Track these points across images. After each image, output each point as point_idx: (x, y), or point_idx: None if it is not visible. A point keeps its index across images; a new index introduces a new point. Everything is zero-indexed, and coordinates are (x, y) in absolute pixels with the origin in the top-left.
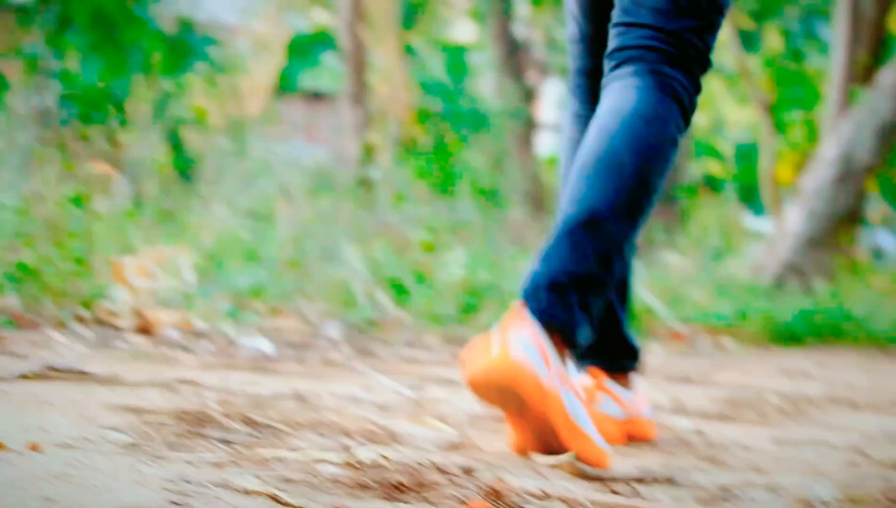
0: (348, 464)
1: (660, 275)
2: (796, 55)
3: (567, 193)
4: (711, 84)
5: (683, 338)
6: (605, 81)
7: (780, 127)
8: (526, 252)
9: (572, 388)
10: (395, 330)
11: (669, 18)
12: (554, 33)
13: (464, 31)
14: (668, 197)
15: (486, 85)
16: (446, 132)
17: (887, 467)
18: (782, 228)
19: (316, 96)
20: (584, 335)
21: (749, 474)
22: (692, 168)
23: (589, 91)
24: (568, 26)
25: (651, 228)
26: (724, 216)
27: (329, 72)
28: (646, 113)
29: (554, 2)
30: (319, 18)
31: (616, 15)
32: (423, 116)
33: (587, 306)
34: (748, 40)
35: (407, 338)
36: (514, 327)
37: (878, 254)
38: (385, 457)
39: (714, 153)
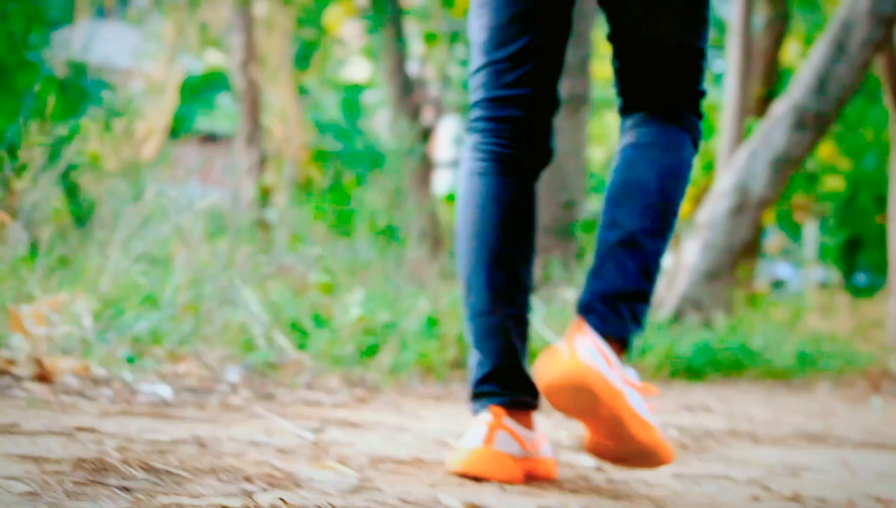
0: None
1: (558, 311)
2: None
3: (602, 219)
4: (607, 118)
5: None
6: (622, 119)
7: None
8: (424, 290)
9: (633, 386)
10: (296, 373)
11: (669, 82)
12: (448, 71)
13: (358, 70)
14: (565, 233)
15: (382, 124)
16: (342, 172)
17: (789, 500)
18: (680, 261)
19: (211, 138)
20: (635, 339)
21: None
22: (589, 203)
23: (491, 122)
24: (473, 59)
25: (548, 264)
26: None
27: (224, 113)
28: (662, 143)
29: (449, 39)
30: (213, 60)
31: (618, 84)
32: (319, 156)
33: (636, 314)
34: None
35: (307, 380)
36: (577, 337)
37: (777, 285)
38: (286, 502)
39: None
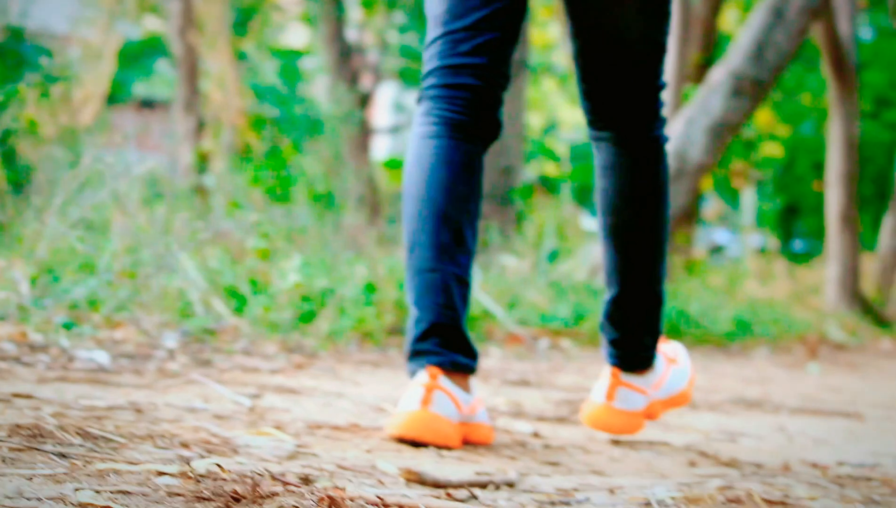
0: (186, 476)
1: (496, 278)
2: None
3: (605, 266)
4: (544, 85)
5: (521, 341)
6: (592, 138)
7: None
8: (362, 256)
9: (663, 380)
10: (233, 339)
11: (634, 85)
12: (387, 37)
13: (296, 35)
14: (503, 199)
15: (320, 90)
16: (280, 138)
17: (725, 465)
18: None
19: (148, 104)
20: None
21: (588, 476)
22: (527, 169)
23: (445, 88)
24: (429, 31)
25: (486, 230)
26: (561, 217)
27: (162, 79)
28: (644, 180)
29: (387, 5)
30: (151, 26)
31: (582, 86)
32: (257, 122)
33: (656, 332)
34: None
35: (244, 346)
36: (614, 388)
37: (715, 251)
38: (222, 468)
39: (549, 154)
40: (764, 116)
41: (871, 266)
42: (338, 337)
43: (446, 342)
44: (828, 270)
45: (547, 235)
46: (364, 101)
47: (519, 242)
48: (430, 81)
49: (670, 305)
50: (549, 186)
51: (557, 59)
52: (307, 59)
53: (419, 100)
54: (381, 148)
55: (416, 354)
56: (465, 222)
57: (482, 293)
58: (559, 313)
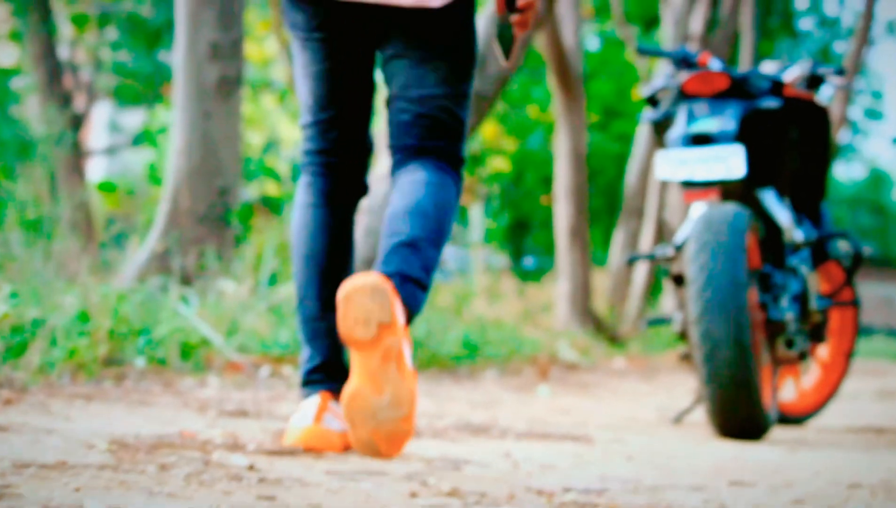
0: None
1: (214, 304)
2: None
3: (386, 231)
4: (264, 100)
5: (241, 369)
6: (395, 165)
7: None
8: (74, 284)
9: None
10: None
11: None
12: (101, 54)
13: (4, 54)
14: (220, 221)
15: (31, 110)
16: None
17: (448, 496)
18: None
19: None
20: (413, 315)
21: None
22: (247, 190)
23: (320, 166)
24: (306, 113)
25: (203, 254)
26: (282, 238)
27: None
28: (437, 182)
29: (99, 21)
30: None
31: (393, 98)
32: None
33: (416, 297)
34: None
35: None
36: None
37: (441, 271)
38: None
39: (270, 173)
40: (490, 130)
41: (602, 282)
42: (49, 370)
43: (333, 375)
44: (558, 287)
45: (267, 258)
46: (77, 121)
47: (238, 265)
48: (307, 159)
49: None
50: (271, 206)
51: (277, 74)
52: (16, 79)
53: (300, 169)
54: (96, 170)
55: (310, 383)
56: (343, 276)
57: (199, 320)
58: (280, 339)
